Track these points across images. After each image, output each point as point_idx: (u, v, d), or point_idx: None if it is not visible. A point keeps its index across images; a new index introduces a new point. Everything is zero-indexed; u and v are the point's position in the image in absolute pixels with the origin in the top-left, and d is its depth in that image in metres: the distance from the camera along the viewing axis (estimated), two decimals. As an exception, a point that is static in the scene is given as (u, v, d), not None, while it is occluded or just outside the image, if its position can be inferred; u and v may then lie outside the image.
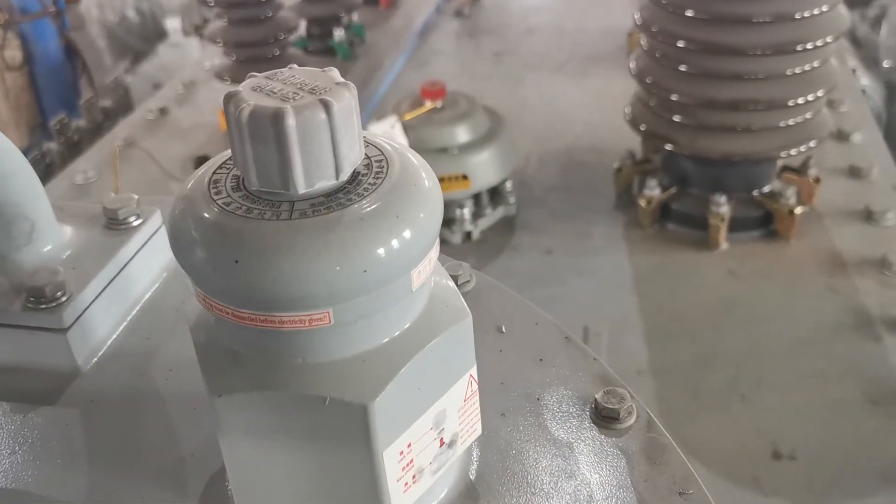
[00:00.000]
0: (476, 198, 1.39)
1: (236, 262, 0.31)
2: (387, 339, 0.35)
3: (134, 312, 0.54)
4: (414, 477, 0.37)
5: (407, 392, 0.35)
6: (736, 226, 1.33)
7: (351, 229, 0.32)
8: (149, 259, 0.56)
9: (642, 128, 1.36)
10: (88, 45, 2.78)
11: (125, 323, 0.53)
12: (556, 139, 1.69)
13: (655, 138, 1.34)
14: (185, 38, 3.25)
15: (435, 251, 0.36)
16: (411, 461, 0.37)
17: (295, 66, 0.35)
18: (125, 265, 0.54)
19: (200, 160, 1.56)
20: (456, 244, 1.39)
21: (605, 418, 0.44)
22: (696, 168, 1.35)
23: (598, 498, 0.40)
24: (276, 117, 0.31)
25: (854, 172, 1.46)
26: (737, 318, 1.21)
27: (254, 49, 1.64)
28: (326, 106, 0.32)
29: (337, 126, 0.32)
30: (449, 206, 1.38)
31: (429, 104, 1.36)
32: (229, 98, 0.33)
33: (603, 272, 1.32)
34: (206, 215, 0.33)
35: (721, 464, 0.99)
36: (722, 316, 1.22)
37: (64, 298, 0.49)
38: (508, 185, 1.42)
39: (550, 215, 1.45)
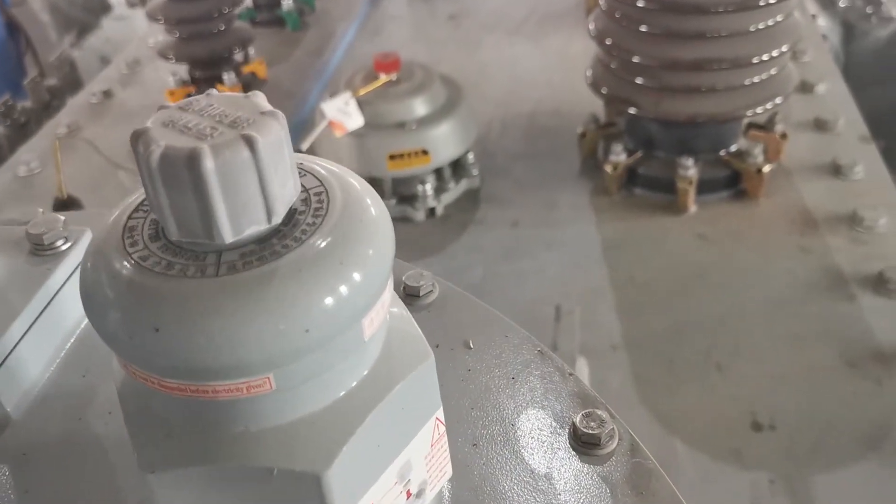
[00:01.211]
0: (438, 172, 1.34)
1: (156, 330, 0.27)
2: (339, 395, 0.31)
3: (67, 347, 0.50)
4: (379, 537, 0.34)
5: (365, 451, 0.31)
6: (704, 188, 1.31)
7: (288, 284, 0.27)
8: (81, 286, 0.51)
9: (604, 91, 1.32)
10: (31, 19, 2.66)
11: (58, 360, 0.49)
12: (518, 104, 1.65)
13: (618, 102, 1.30)
14: (130, 10, 3.13)
15: (388, 292, 0.31)
16: (375, 522, 0.33)
17: (214, 91, 0.30)
18: (54, 295, 0.49)
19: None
20: (419, 221, 1.34)
21: (584, 444, 0.41)
22: (662, 131, 1.31)
23: (582, 538, 0.37)
24: (192, 160, 0.26)
25: (820, 125, 1.44)
26: (709, 283, 1.19)
27: (197, 25, 1.57)
28: (250, 142, 0.27)
29: (264, 164, 0.27)
30: (410, 182, 1.33)
31: (383, 77, 1.30)
32: (137, 138, 0.28)
33: (571, 243, 1.28)
34: (120, 273, 0.28)
35: (700, 437, 0.97)
36: (694, 282, 1.19)
37: (-16, 344, 0.45)
38: (470, 156, 1.38)
39: (515, 185, 1.41)
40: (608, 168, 1.33)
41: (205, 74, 1.64)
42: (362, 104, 1.27)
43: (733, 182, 1.32)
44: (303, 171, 0.32)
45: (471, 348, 0.47)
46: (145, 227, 0.30)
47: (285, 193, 0.29)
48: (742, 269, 1.20)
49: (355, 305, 0.29)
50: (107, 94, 1.75)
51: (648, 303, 1.17)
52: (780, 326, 1.10)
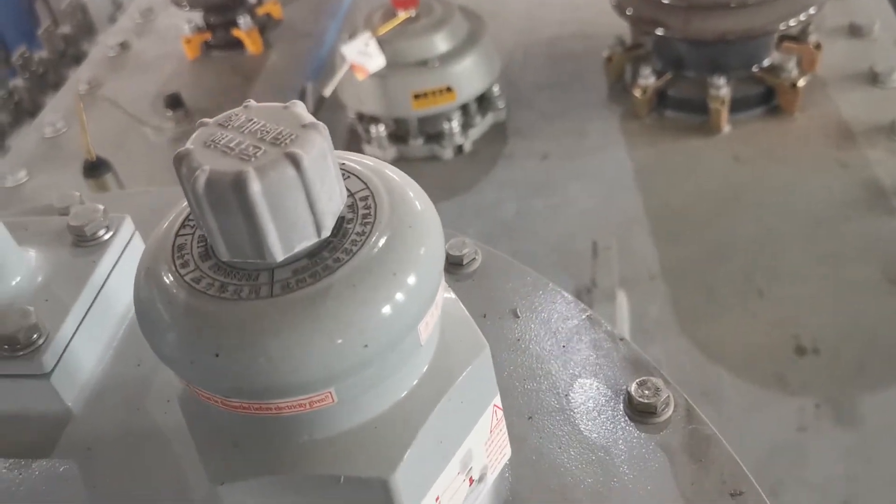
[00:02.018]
0: (463, 108, 1.32)
1: (216, 355, 0.27)
2: (400, 397, 0.31)
3: (119, 337, 0.50)
4: (446, 526, 0.34)
5: (428, 450, 0.32)
6: (737, 106, 1.28)
7: (343, 300, 0.27)
8: (126, 274, 0.52)
9: (629, 12, 1.28)
10: (40, -35, 2.63)
11: (111, 351, 0.50)
12: (539, 30, 1.61)
13: (645, 22, 1.26)
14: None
15: (441, 290, 0.31)
16: (442, 512, 0.34)
17: (251, 102, 0.29)
18: (102, 286, 0.50)
19: (171, 99, 1.49)
20: (448, 159, 1.33)
21: (640, 413, 0.41)
22: (691, 50, 1.27)
23: (644, 510, 0.38)
24: (238, 184, 0.26)
25: (855, 31, 1.39)
26: (745, 205, 1.17)
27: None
28: (295, 160, 0.27)
29: (311, 181, 0.27)
30: (436, 120, 1.31)
31: (402, 14, 1.27)
32: (180, 161, 0.28)
33: (603, 172, 1.27)
34: (175, 298, 0.28)
35: (743, 365, 0.97)
36: (730, 205, 1.17)
37: (41, 341, 0.45)
38: (496, 89, 1.35)
39: (542, 116, 1.39)
40: (637, 92, 1.30)
41: (219, 20, 1.62)
42: (382, 44, 1.24)
43: (767, 98, 1.29)
44: (345, 174, 0.31)
45: (518, 317, 0.47)
46: (194, 245, 0.30)
47: (333, 206, 0.28)
48: (778, 188, 1.18)
49: (412, 313, 0.29)
50: (123, 46, 1.74)
51: (684, 229, 1.16)
52: (819, 246, 1.08)
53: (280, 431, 0.30)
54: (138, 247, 0.54)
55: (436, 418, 0.31)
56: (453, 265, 0.50)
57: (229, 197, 0.26)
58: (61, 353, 0.46)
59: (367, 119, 1.35)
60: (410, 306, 0.28)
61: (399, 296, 0.28)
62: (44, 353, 0.45)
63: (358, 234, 0.29)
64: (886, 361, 0.94)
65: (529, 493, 0.39)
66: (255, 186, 0.26)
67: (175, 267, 0.29)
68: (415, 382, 0.31)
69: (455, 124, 1.31)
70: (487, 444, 0.36)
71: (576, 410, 0.42)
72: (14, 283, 0.48)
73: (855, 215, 1.12)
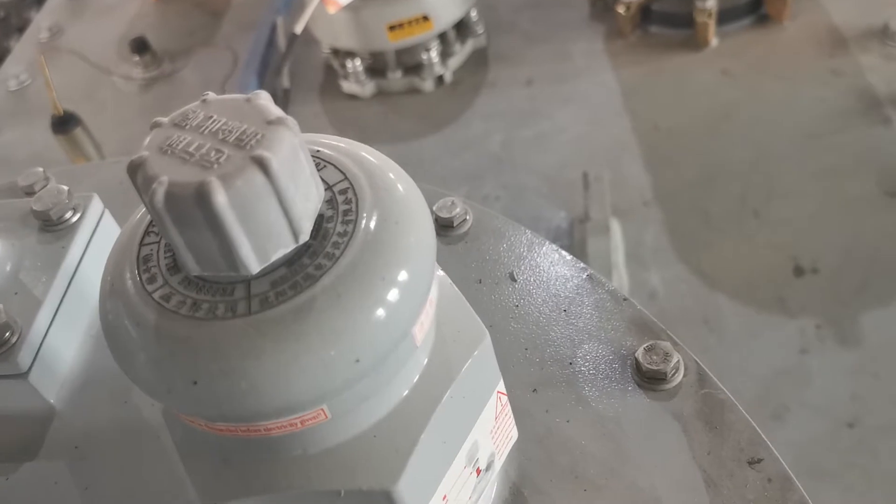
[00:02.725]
0: (442, 37, 1.27)
1: (195, 383, 0.25)
2: (397, 402, 0.29)
3: (97, 325, 0.48)
4: (455, 522, 0.33)
5: (432, 452, 0.30)
6: (724, 17, 1.23)
7: (329, 314, 0.25)
8: (99, 257, 0.49)
9: (609, -76, 1.22)
10: None
11: (90, 340, 0.47)
12: (515, -54, 1.54)
13: (626, -65, 1.21)
14: None
15: (435, 287, 0.29)
16: (449, 509, 0.32)
17: (210, 95, 0.26)
18: (74, 273, 0.47)
19: (136, 43, 1.43)
20: (429, 91, 1.29)
21: (650, 380, 0.39)
22: (675, -39, 1.22)
23: (658, 485, 0.36)
24: (201, 197, 0.23)
25: (843, -70, 1.33)
26: (737, 123, 1.14)
27: None
28: (263, 164, 0.24)
29: (282, 185, 0.24)
30: (414, 51, 1.27)
31: (371, -59, 1.21)
32: (135, 170, 0.25)
33: (589, 96, 1.23)
34: (145, 320, 0.26)
35: (743, 289, 0.96)
36: (721, 124, 1.14)
37: (14, 339, 0.43)
38: (473, 14, 1.30)
39: (524, 39, 1.34)
40: (620, 9, 1.25)
41: (179, -46, 1.54)
42: (353, -26, 1.19)
43: (755, 7, 1.25)
44: (321, 163, 0.28)
45: (516, 280, 0.45)
46: (161, 256, 0.27)
47: (309, 206, 0.26)
48: (770, 103, 1.15)
49: (405, 318, 0.26)
50: (82, -11, 1.66)
51: (676, 151, 1.13)
52: (814, 162, 1.06)
53: (272, 447, 0.28)
54: (109, 226, 0.51)
55: (437, 420, 0.29)
56: (443, 227, 0.48)
57: (193, 211, 0.24)
58: (37, 350, 0.44)
59: (342, 54, 1.30)
60: (403, 311, 0.26)
61: (390, 301, 0.25)
62: (18, 351, 0.43)
63: (340, 234, 0.26)
64: (887, 277, 0.93)
65: (539, 473, 0.37)
66: (220, 198, 0.23)
67: (142, 282, 0.26)
68: (412, 384, 0.29)
69: (434, 54, 1.26)
70: (493, 431, 0.34)
71: (582, 380, 0.40)
72: (-20, 277, 0.45)
73: (849, 127, 1.09)
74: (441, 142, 1.21)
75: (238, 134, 0.25)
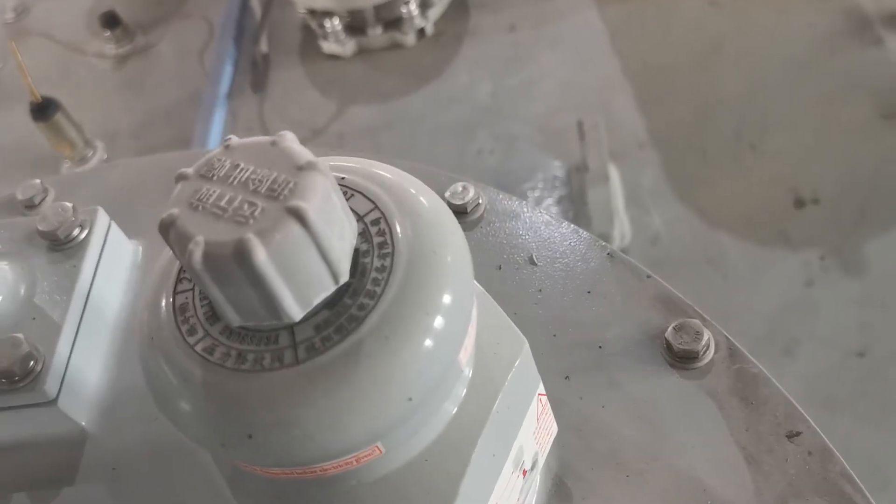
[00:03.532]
0: (420, -12, 1.25)
1: (249, 436, 0.25)
2: (445, 424, 0.29)
3: (119, 341, 0.48)
4: (506, 524, 0.33)
5: (482, 468, 0.30)
6: (706, -55, 1.20)
7: (378, 357, 0.24)
8: (112, 271, 0.49)
9: None
10: None
11: (113, 358, 0.47)
12: None
13: None
14: None
15: (475, 309, 0.28)
16: (501, 515, 0.32)
17: (233, 140, 0.25)
18: (89, 292, 0.47)
19: (106, 18, 1.39)
20: (411, 46, 1.27)
21: (681, 359, 0.39)
22: None
23: (698, 466, 0.36)
24: (241, 255, 0.23)
25: None
26: (727, 56, 1.12)
27: None
28: (299, 216, 0.23)
29: (320, 232, 0.24)
30: (392, 5, 1.24)
31: None
32: (166, 230, 0.24)
33: (575, 37, 1.21)
34: (191, 376, 0.25)
35: (744, 225, 0.96)
36: (711, 57, 1.13)
37: (39, 367, 0.43)
38: (450, -39, 1.27)
39: (504, -17, 1.31)
40: (600, -56, 1.22)
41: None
42: (324, -69, 1.15)
43: (736, -68, 1.22)
44: (347, 191, 0.28)
45: (536, 264, 0.45)
46: (197, 305, 0.27)
47: (346, 246, 0.25)
48: (759, 32, 1.14)
49: (451, 348, 0.26)
50: (44, -36, 1.61)
51: (667, 89, 1.12)
52: (807, 90, 1.05)
53: (326, 483, 0.28)
54: (118, 238, 0.50)
55: (486, 437, 0.29)
56: (457, 213, 0.47)
57: (232, 269, 0.23)
58: (63, 375, 0.43)
59: (319, 14, 1.27)
60: (449, 340, 0.26)
61: (436, 335, 0.25)
62: (45, 379, 0.42)
63: (378, 269, 0.26)
64: (888, 202, 0.93)
65: (579, 461, 0.38)
66: (261, 255, 0.23)
67: (182, 335, 0.26)
68: (459, 404, 0.29)
69: (413, 6, 1.23)
70: (535, 432, 0.34)
71: (612, 363, 0.40)
72: (-5, 304, 0.45)
73: (841, 51, 1.08)
74: (428, 96, 1.19)
75: (269, 183, 0.24)
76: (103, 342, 0.47)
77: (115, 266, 0.49)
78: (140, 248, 0.52)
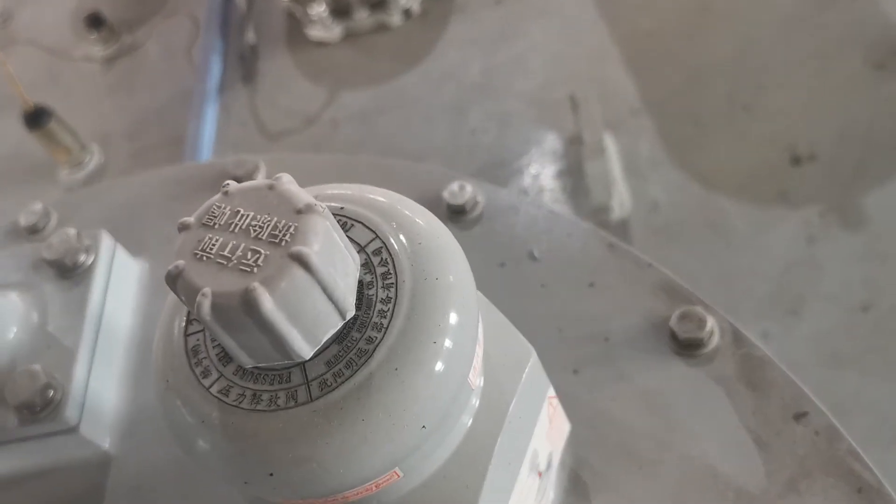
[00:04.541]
0: (403, -32, 1.24)
1: (270, 475, 0.25)
2: (460, 440, 0.30)
3: (133, 361, 0.48)
4: (525, 526, 0.34)
5: (499, 477, 0.31)
6: None
7: (390, 390, 0.25)
8: (119, 292, 0.49)
9: None
10: None
11: (130, 379, 0.48)
12: None
13: None
14: None
15: (481, 325, 0.29)
16: (519, 518, 0.33)
17: (231, 185, 0.26)
18: (100, 317, 0.47)
19: (91, 20, 1.38)
20: (398, 26, 1.26)
21: (687, 347, 0.40)
22: None
23: (710, 452, 0.37)
24: (248, 304, 0.23)
25: None
26: (717, 16, 1.12)
27: None
28: (303, 261, 0.24)
29: (324, 275, 0.24)
30: (376, -13, 1.23)
31: None
32: (174, 282, 0.25)
33: (562, 6, 1.20)
34: (209, 419, 0.26)
35: (743, 187, 0.96)
36: (701, 18, 1.12)
37: (59, 396, 0.43)
38: (431, -62, 1.26)
39: (486, -44, 1.30)
40: None
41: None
42: (302, -82, 1.14)
43: None
44: (347, 222, 0.28)
45: (537, 259, 0.45)
46: (209, 346, 0.27)
47: (350, 282, 0.26)
48: (747, -12, 1.13)
49: (461, 371, 0.27)
50: (22, -32, 1.59)
51: (657, 55, 1.11)
52: (798, 46, 1.05)
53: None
54: (124, 260, 0.51)
55: (500, 448, 0.30)
56: (456, 213, 0.48)
57: (241, 318, 0.24)
58: (82, 402, 0.44)
59: (304, 1, 1.26)
60: (458, 366, 0.26)
61: (445, 361, 0.26)
62: (65, 408, 0.43)
63: (383, 300, 0.26)
64: (884, 154, 0.93)
65: (593, 455, 0.39)
66: (267, 304, 0.23)
67: (197, 377, 0.27)
68: (472, 419, 0.30)
69: (398, -13, 1.23)
70: (548, 433, 0.35)
71: (619, 355, 0.41)
72: (12, 335, 0.46)
73: (829, 3, 1.07)
74: (419, 78, 1.19)
75: (270, 229, 0.24)
76: (119, 364, 0.48)
77: (123, 287, 0.50)
78: (146, 265, 0.52)
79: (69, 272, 0.48)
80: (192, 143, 1.21)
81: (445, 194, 0.48)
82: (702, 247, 0.91)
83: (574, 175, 0.99)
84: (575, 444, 0.39)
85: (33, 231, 0.55)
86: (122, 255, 0.50)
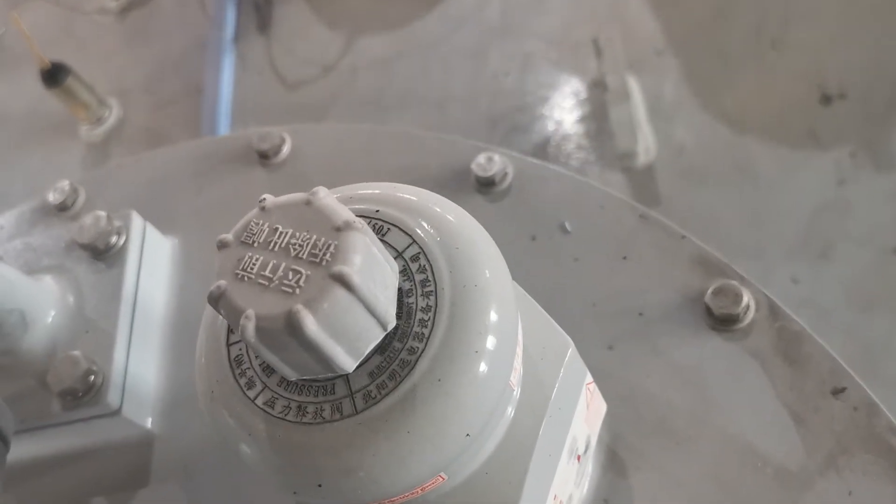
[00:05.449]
0: None
1: (319, 486, 0.26)
2: (502, 437, 0.30)
3: (170, 338, 0.49)
4: (566, 508, 0.35)
5: (540, 469, 0.31)
6: None
7: (434, 401, 0.25)
8: (153, 272, 0.50)
9: None
10: None
11: (168, 358, 0.48)
12: None
13: None
14: None
15: (520, 325, 0.29)
16: (559, 503, 0.34)
17: (268, 200, 0.26)
18: (135, 298, 0.48)
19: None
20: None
21: (723, 322, 0.40)
22: None
23: (747, 428, 0.37)
24: (293, 326, 0.23)
25: None
26: (742, -56, 1.08)
27: None
28: (344, 281, 0.24)
29: (365, 292, 0.24)
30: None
31: None
32: (216, 301, 0.25)
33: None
34: (256, 431, 0.26)
35: (772, 127, 0.94)
36: (725, -52, 1.09)
37: (100, 381, 0.44)
38: None
39: None
40: None
41: None
42: None
43: None
44: (383, 226, 0.28)
45: (569, 231, 0.45)
46: (252, 357, 0.27)
47: (390, 293, 0.26)
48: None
49: (503, 376, 0.27)
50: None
51: (682, -12, 1.08)
52: (829, -25, 1.01)
53: None
54: (154, 239, 0.51)
55: (541, 442, 0.30)
56: (485, 185, 0.47)
57: (285, 339, 0.24)
58: (123, 385, 0.45)
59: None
60: (500, 371, 0.26)
61: (487, 368, 0.26)
62: (106, 392, 0.44)
63: (423, 309, 0.26)
64: (918, 91, 0.91)
65: (630, 432, 0.39)
66: (311, 326, 0.23)
67: (241, 388, 0.27)
68: (512, 414, 0.30)
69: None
70: (586, 418, 0.35)
71: (654, 330, 0.41)
72: (49, 321, 0.46)
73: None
74: (437, 21, 1.17)
75: (310, 248, 0.24)
76: (156, 344, 0.49)
77: (155, 267, 0.50)
78: (176, 242, 0.53)
79: (101, 254, 0.48)
80: (211, 96, 1.20)
81: (473, 166, 0.47)
82: (729, 190, 0.90)
83: (598, 119, 0.97)
84: (611, 420, 0.39)
85: (62, 209, 0.56)
86: (152, 233, 0.51)
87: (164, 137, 1.23)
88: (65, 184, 0.56)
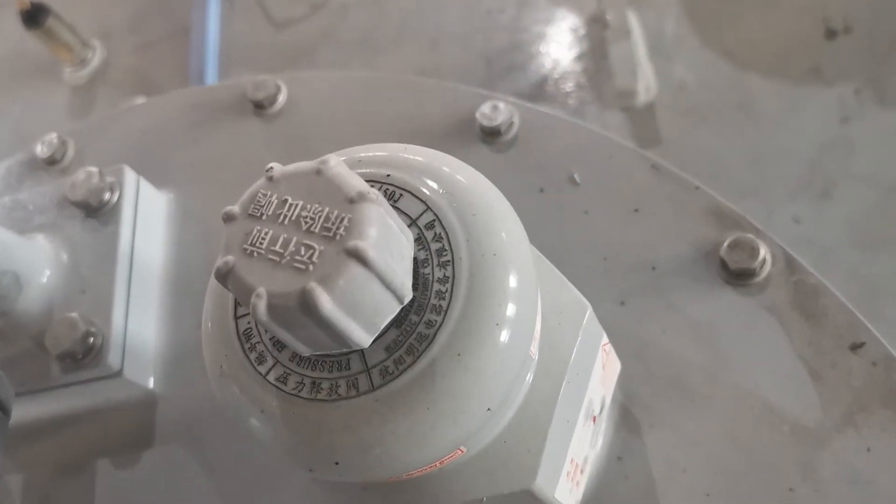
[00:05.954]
0: None
1: (336, 463, 0.25)
2: (519, 405, 0.29)
3: (168, 295, 0.48)
4: (581, 471, 0.34)
5: (559, 435, 0.30)
6: None
7: (453, 376, 0.24)
8: (148, 227, 0.48)
9: None
10: None
11: (166, 314, 0.47)
12: None
13: None
14: None
15: (538, 292, 0.28)
16: (575, 465, 0.33)
17: (275, 169, 0.24)
18: (132, 255, 0.46)
19: None
20: None
21: (738, 276, 0.39)
22: None
23: (763, 385, 0.37)
24: (307, 305, 0.22)
25: None
26: None
27: None
28: (360, 257, 0.22)
29: (382, 267, 0.23)
30: None
31: None
32: (224, 278, 0.23)
33: None
34: (269, 408, 0.25)
35: (775, 63, 0.92)
36: None
37: (100, 342, 0.43)
38: None
39: None
40: None
41: None
42: None
43: None
44: (395, 191, 0.27)
45: (578, 183, 0.44)
46: (262, 330, 0.26)
47: (406, 265, 0.24)
48: None
49: (523, 347, 0.26)
50: None
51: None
52: None
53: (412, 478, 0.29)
54: (149, 194, 0.49)
55: (560, 409, 0.30)
56: (490, 135, 0.46)
57: (298, 317, 0.23)
58: (123, 346, 0.44)
59: None
60: (520, 343, 0.26)
61: (508, 341, 0.25)
62: (107, 353, 0.43)
63: (440, 280, 0.25)
64: (924, 24, 0.89)
65: (643, 389, 0.38)
66: (326, 304, 0.22)
67: (252, 364, 0.26)
68: (530, 382, 0.29)
69: None
70: (602, 379, 0.34)
71: (668, 285, 0.40)
72: (44, 281, 0.45)
73: None
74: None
75: (322, 221, 0.23)
76: (155, 302, 0.47)
77: (150, 223, 0.49)
78: (171, 196, 0.51)
79: (95, 212, 0.47)
80: (198, 36, 1.17)
81: (478, 115, 0.46)
82: (731, 128, 0.88)
83: (596, 57, 0.95)
84: (625, 378, 0.39)
85: (51, 162, 0.54)
86: (146, 188, 0.49)
87: (151, 80, 1.20)
88: (52, 136, 0.54)
